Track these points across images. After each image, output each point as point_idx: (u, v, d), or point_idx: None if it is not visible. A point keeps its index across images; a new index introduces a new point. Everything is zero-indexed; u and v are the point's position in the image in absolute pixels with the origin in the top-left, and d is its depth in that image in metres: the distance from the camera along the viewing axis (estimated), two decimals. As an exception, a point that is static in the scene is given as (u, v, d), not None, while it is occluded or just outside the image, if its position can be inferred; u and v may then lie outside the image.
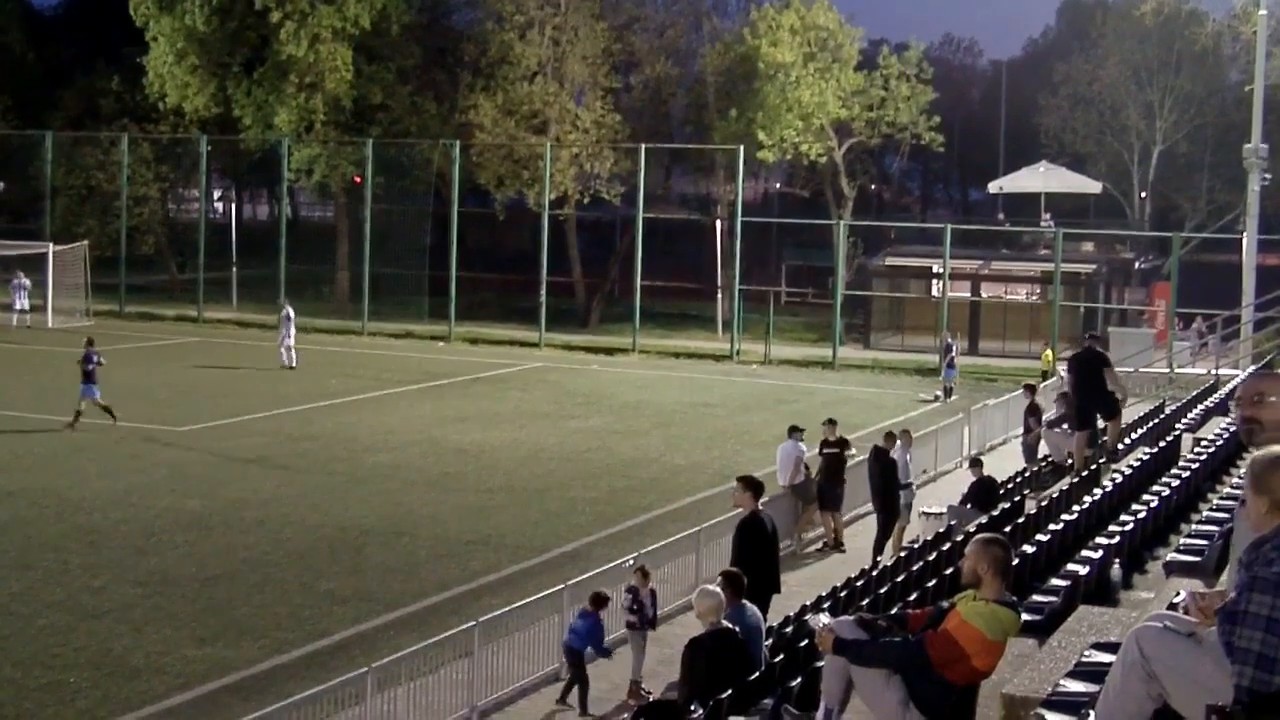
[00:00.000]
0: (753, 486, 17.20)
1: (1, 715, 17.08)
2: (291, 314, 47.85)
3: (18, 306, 56.39)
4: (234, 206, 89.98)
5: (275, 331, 49.31)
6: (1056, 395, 28.94)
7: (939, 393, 44.71)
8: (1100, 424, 22.42)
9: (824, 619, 8.64)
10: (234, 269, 67.54)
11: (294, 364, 46.65)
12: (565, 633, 18.36)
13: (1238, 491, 11.15)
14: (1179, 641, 6.34)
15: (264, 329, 58.49)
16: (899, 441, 26.46)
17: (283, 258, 61.30)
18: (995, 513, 20.22)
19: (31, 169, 69.67)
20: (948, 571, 14.33)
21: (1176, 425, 23.28)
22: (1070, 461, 24.00)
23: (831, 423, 27.15)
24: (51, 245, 58.41)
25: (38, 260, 57.60)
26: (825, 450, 26.46)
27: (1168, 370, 42.67)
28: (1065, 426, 25.11)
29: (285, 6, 62.05)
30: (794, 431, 26.79)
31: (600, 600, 18.38)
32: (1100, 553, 12.52)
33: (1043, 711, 7.48)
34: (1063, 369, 40.55)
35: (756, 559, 16.77)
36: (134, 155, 66.82)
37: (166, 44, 64.55)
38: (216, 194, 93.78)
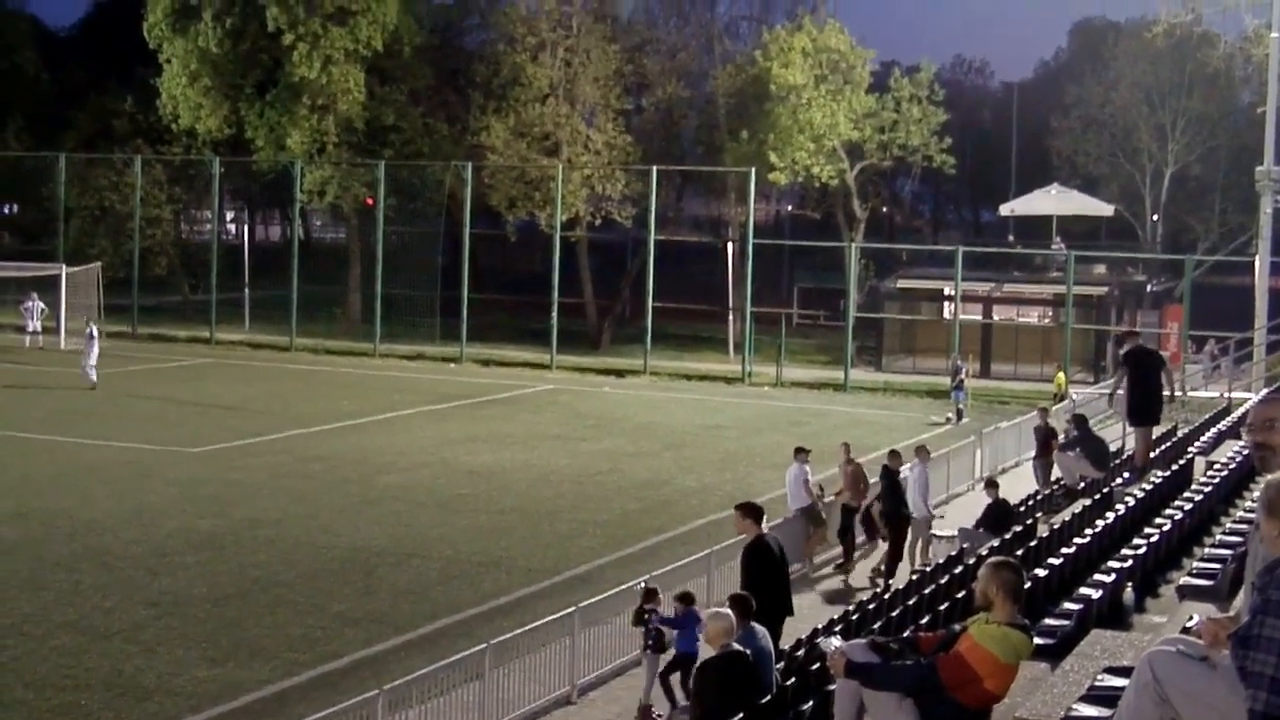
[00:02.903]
0: (753, 512, 17.15)
1: (13, 736, 17.11)
2: (95, 333, 47.00)
3: (30, 328, 56.51)
4: (246, 228, 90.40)
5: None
6: (1069, 417, 28.90)
7: (950, 415, 44.66)
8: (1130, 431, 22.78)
9: (836, 642, 8.64)
10: (246, 290, 67.59)
11: (94, 383, 45.26)
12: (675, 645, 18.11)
13: (1251, 515, 11.13)
14: (1192, 665, 6.33)
15: (276, 350, 58.66)
16: (916, 460, 26.48)
17: (295, 279, 61.44)
18: (1008, 536, 20.18)
19: (45, 190, 69.95)
20: (960, 595, 14.31)
21: (1189, 448, 23.27)
22: (1081, 485, 24.05)
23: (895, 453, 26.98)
24: (64, 266, 58.60)
25: (51, 281, 57.74)
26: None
27: (1180, 394, 42.55)
28: (1078, 450, 25.09)
29: (298, 29, 62.29)
30: (799, 453, 26.71)
31: (688, 597, 18.31)
32: (1113, 576, 12.50)
33: (1055, 736, 7.47)
34: (1067, 400, 40.64)
35: (765, 583, 16.75)
36: (147, 176, 66.97)
37: (179, 65, 64.85)
38: (229, 215, 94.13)
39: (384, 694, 15.80)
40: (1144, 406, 22.59)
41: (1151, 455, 23.31)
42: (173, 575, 23.96)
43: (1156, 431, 30.06)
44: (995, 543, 19.66)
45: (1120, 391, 23.87)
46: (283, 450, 36.01)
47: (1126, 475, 22.86)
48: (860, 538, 26.89)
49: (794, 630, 17.55)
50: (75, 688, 18.54)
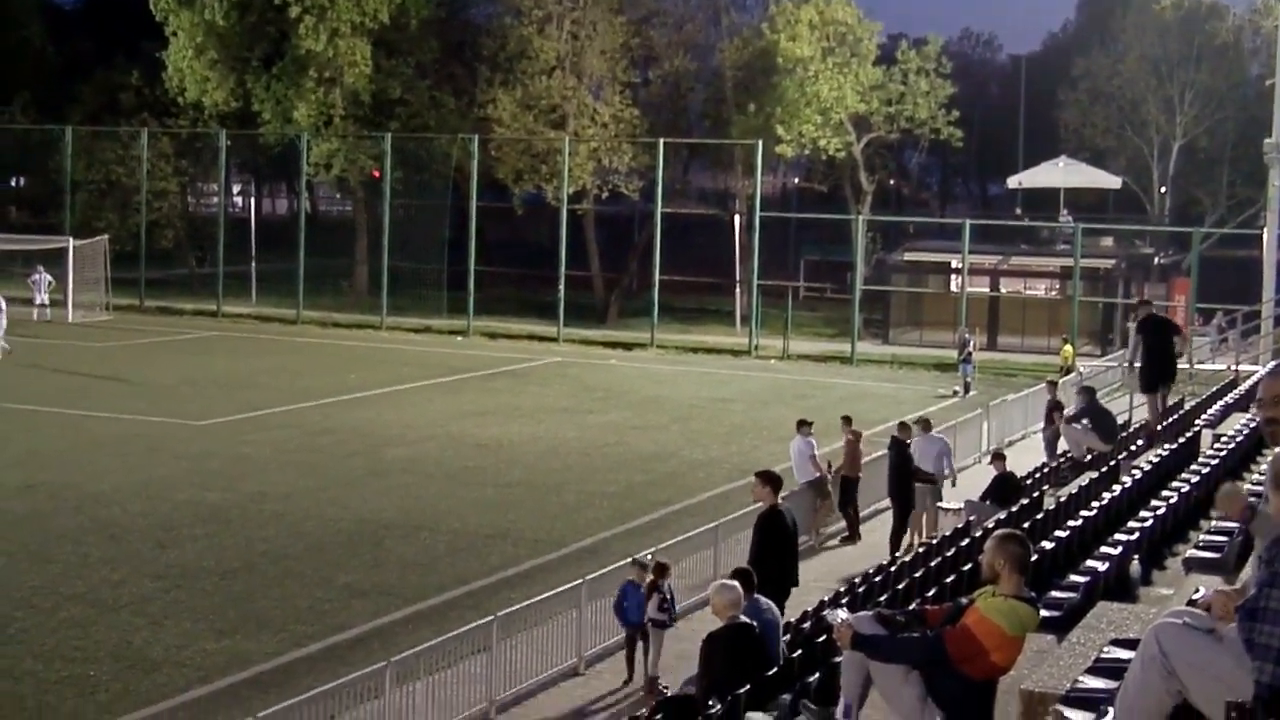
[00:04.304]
0: (771, 481, 17.18)
1: (23, 708, 17.15)
2: (3, 305, 46.81)
3: (38, 301, 56.58)
4: (253, 201, 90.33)
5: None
6: (1077, 390, 28.89)
7: (957, 388, 44.66)
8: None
9: (842, 614, 8.64)
10: (253, 263, 67.66)
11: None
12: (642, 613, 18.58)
13: (1259, 488, 11.13)
14: (1198, 638, 6.33)
15: (283, 323, 58.69)
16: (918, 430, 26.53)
17: (301, 252, 61.38)
18: (1014, 508, 20.19)
19: (52, 163, 70.00)
20: (966, 567, 14.32)
21: (1196, 421, 23.25)
22: (1088, 457, 24.09)
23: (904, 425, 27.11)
24: (71, 239, 58.57)
25: (58, 254, 57.77)
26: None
27: (1187, 366, 42.46)
28: (1086, 422, 25.13)
29: (304, 1, 62.12)
30: (802, 426, 26.68)
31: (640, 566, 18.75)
32: (1119, 549, 12.50)
33: (1061, 708, 7.47)
34: (1074, 373, 40.56)
35: (777, 553, 16.78)
36: (153, 150, 66.91)
37: (186, 38, 64.71)
38: (236, 188, 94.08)
39: (392, 666, 15.86)
40: (1162, 372, 22.98)
41: (1160, 427, 23.39)
42: (180, 548, 24.02)
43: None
44: (1002, 515, 19.67)
45: (1138, 362, 23.99)
46: (290, 423, 36.05)
47: (1140, 442, 22.93)
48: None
49: (800, 602, 17.58)
50: (83, 660, 18.61)
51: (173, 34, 65.25)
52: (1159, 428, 23.51)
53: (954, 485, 26.95)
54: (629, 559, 19.50)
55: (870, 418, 34.73)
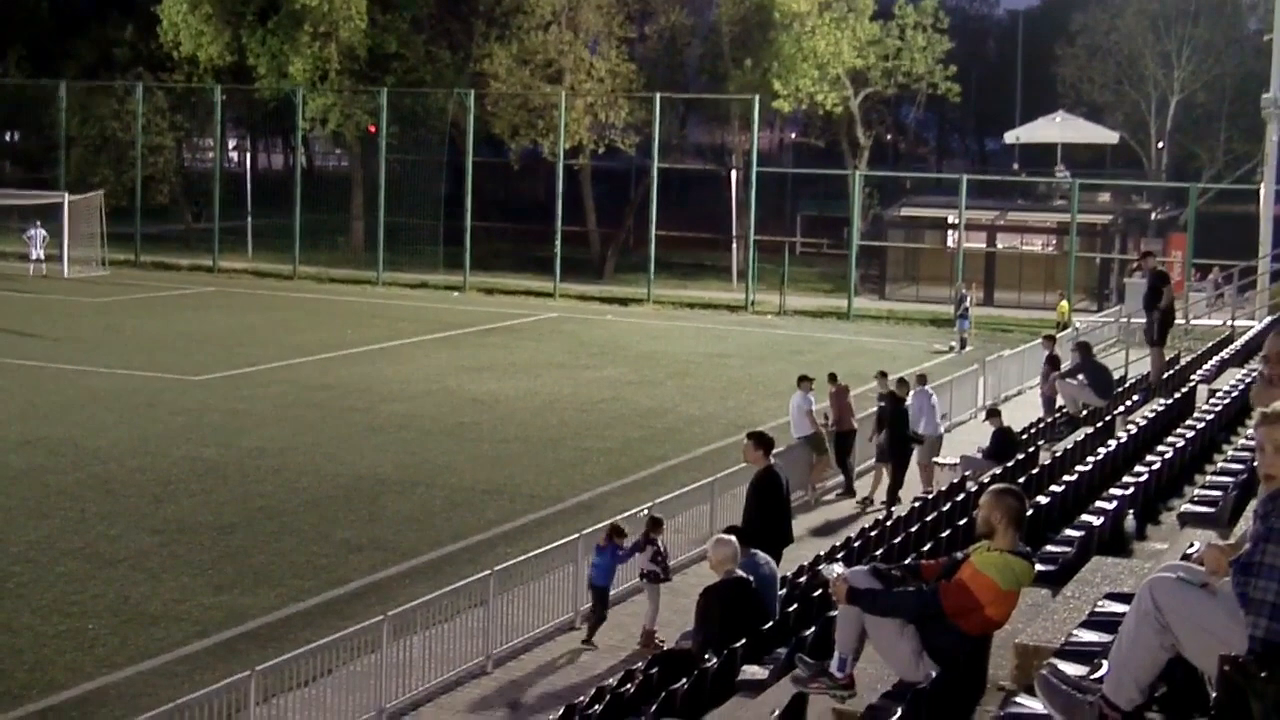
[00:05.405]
0: (764, 443, 17.18)
1: (21, 662, 17.21)
2: None
3: (34, 256, 56.52)
4: (249, 156, 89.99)
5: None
6: (1073, 345, 28.90)
7: (954, 343, 44.67)
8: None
9: (838, 569, 8.66)
10: (249, 218, 67.47)
11: None
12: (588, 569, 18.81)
13: (1253, 442, 11.13)
14: (1192, 592, 6.35)
15: (279, 279, 58.62)
16: (912, 389, 26.61)
17: (297, 207, 61.28)
18: (1010, 463, 20.23)
19: (46, 119, 69.71)
20: (962, 522, 14.36)
21: (1191, 376, 23.28)
22: (1084, 413, 24.15)
23: (883, 375, 27.24)
24: (67, 195, 58.39)
25: (53, 210, 57.64)
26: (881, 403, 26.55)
27: (1183, 321, 42.48)
28: (1081, 377, 25.16)
29: (299, -46, 61.82)
30: (802, 382, 26.74)
31: (617, 531, 18.70)
32: (1114, 504, 12.52)
33: (1056, 661, 7.50)
34: (1070, 328, 40.55)
35: (772, 513, 16.82)
36: (149, 105, 66.70)
37: (181, -8, 64.41)
38: (231, 143, 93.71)
39: (389, 620, 15.93)
40: (1167, 325, 23.11)
41: (1133, 399, 23.45)
42: (177, 503, 24.07)
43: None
44: (997, 470, 19.71)
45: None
46: (287, 379, 36.07)
47: (1135, 398, 22.96)
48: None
49: (796, 557, 17.65)
50: (81, 614, 18.66)
51: (167, -13, 64.97)
52: (1161, 380, 23.57)
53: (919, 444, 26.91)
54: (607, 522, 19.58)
55: (866, 373, 34.66)
